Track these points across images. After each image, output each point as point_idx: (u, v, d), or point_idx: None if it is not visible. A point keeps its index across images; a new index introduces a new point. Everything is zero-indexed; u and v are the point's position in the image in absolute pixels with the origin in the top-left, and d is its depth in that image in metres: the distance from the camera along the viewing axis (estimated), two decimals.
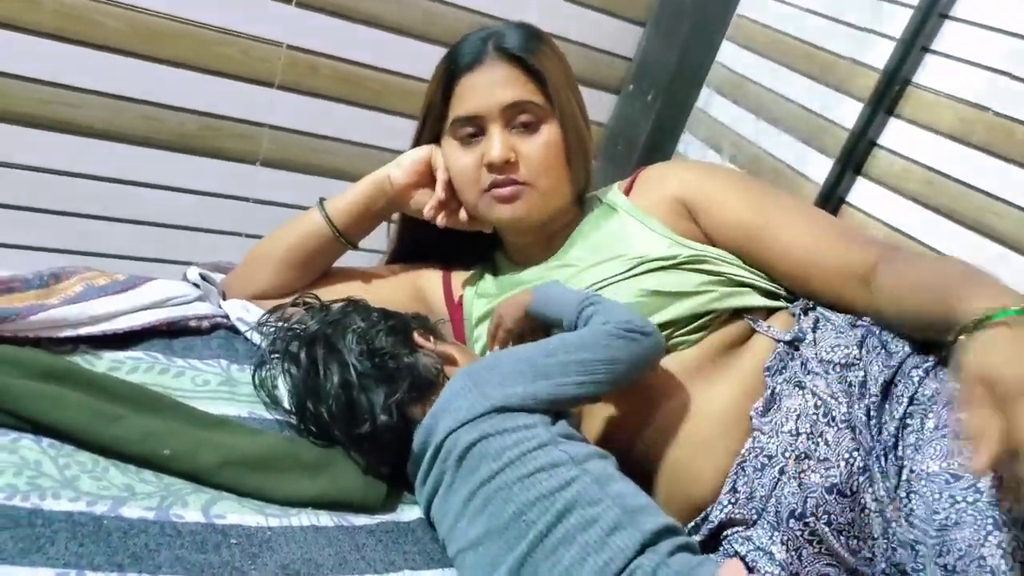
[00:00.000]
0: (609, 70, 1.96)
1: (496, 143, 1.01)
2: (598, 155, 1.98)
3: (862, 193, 1.51)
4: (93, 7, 1.47)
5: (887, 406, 0.85)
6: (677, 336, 0.98)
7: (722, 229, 1.03)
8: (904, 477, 0.80)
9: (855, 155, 1.50)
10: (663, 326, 0.97)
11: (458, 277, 1.17)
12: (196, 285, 1.12)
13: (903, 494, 0.79)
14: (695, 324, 0.98)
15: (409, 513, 0.89)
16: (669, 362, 0.96)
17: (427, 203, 1.08)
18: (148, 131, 1.60)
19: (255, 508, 0.82)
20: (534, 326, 0.97)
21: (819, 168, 1.58)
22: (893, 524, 0.82)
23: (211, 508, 0.80)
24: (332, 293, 1.03)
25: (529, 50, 1.02)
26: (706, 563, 0.73)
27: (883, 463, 0.83)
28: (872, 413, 0.85)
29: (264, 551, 0.77)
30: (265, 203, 1.77)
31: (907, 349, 0.88)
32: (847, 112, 1.53)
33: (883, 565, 0.83)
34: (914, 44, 1.42)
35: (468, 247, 1.16)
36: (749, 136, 1.76)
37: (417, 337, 0.93)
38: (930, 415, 0.82)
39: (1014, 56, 1.29)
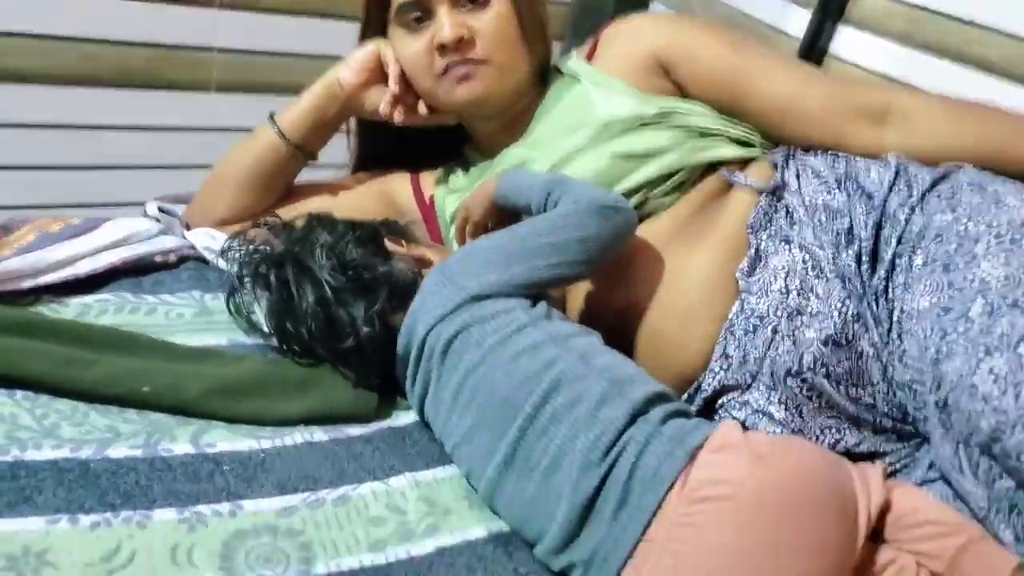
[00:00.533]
0: None
1: (446, 23, 0.95)
2: (565, 33, 1.89)
3: (845, 41, 1.44)
4: None
5: (878, 248, 0.83)
6: (652, 199, 0.95)
7: (701, 77, 0.99)
8: (896, 318, 0.78)
9: (834, 1, 1.42)
10: (636, 190, 0.94)
11: (427, 178, 1.13)
12: (157, 219, 1.08)
13: (895, 336, 0.78)
14: (668, 184, 0.95)
15: (404, 418, 0.87)
16: (645, 230, 0.93)
17: (382, 101, 1.02)
18: (89, 70, 1.52)
19: (246, 433, 0.81)
20: (502, 216, 0.93)
21: (798, 21, 1.50)
22: (889, 367, 0.81)
23: (200, 438, 0.79)
24: (297, 211, 0.99)
25: None
26: (701, 426, 0.72)
27: (875, 308, 0.81)
28: (863, 258, 0.83)
29: (259, 473, 0.76)
30: (226, 130, 1.69)
31: (885, 188, 0.85)
32: None
33: (885, 409, 0.82)
34: None
35: (434, 147, 1.11)
36: None
37: (388, 243, 0.90)
38: (918, 251, 0.80)
39: None
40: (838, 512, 0.67)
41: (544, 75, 1.06)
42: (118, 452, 0.74)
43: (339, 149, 1.22)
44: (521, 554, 0.74)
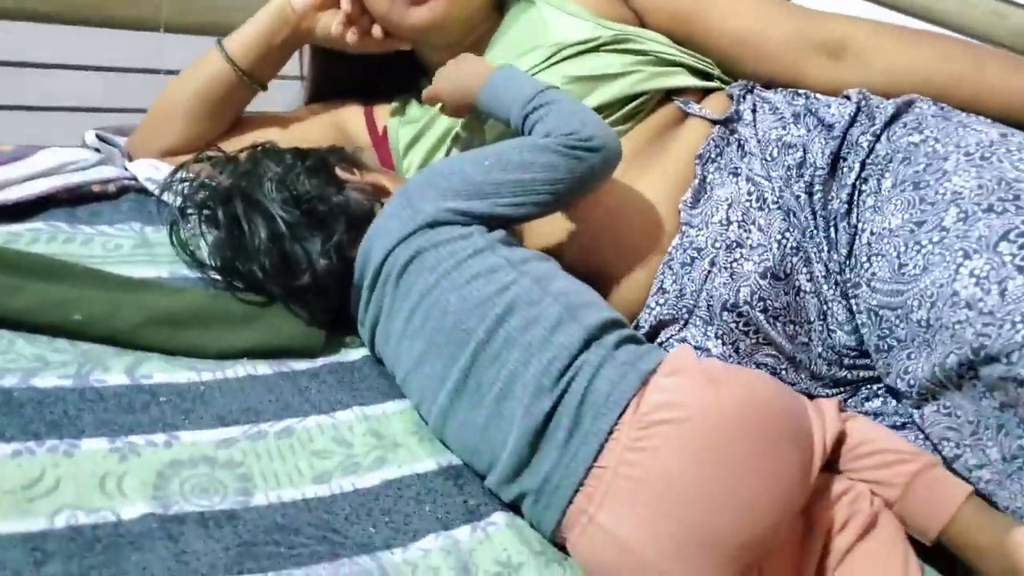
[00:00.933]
0: None
1: None
2: None
3: None
4: None
5: (836, 177, 0.81)
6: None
7: (657, 5, 0.97)
8: (864, 241, 0.76)
9: None
10: None
11: (381, 109, 1.08)
12: (97, 149, 1.02)
13: (863, 258, 0.76)
14: (624, 110, 0.92)
15: (353, 354, 0.85)
16: None
17: (334, 22, 0.98)
18: (32, 4, 1.44)
19: (186, 365, 0.77)
20: (474, 116, 0.90)
21: None
22: (837, 302, 0.79)
23: (136, 369, 0.75)
24: (245, 143, 0.94)
25: None
26: (654, 351, 0.70)
27: (833, 234, 0.80)
28: (816, 187, 0.81)
29: (198, 406, 0.73)
30: (176, 72, 1.63)
31: (846, 118, 0.84)
32: None
33: (819, 349, 0.82)
34: None
35: (390, 78, 1.07)
36: None
37: (340, 171, 0.86)
38: (887, 175, 0.78)
39: None
40: (793, 438, 0.66)
41: (501, 3, 1.03)
42: (45, 381, 0.70)
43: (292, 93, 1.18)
44: (471, 486, 0.72)
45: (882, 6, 1.32)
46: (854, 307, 0.79)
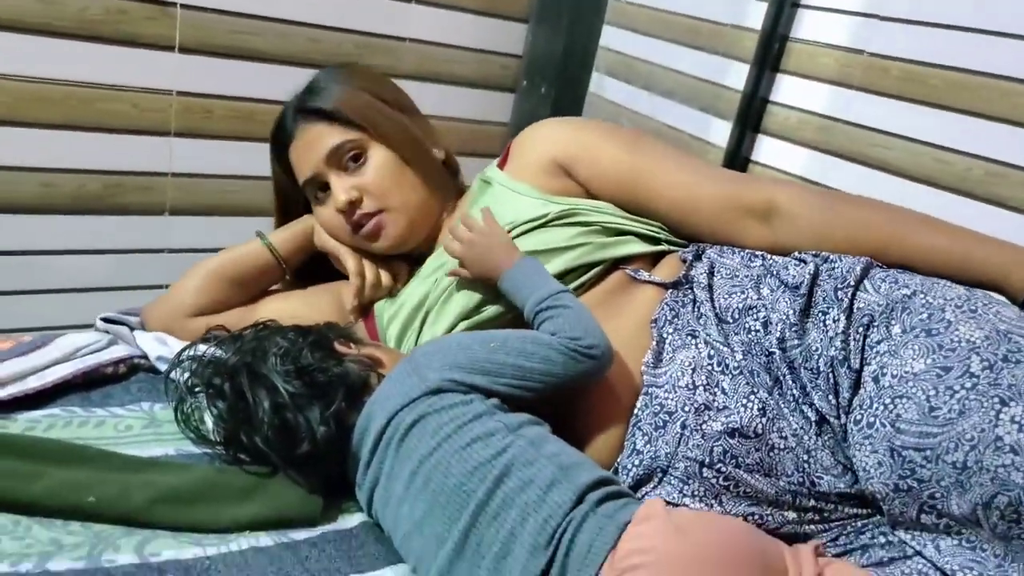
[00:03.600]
0: (503, 70, 1.98)
1: (336, 191, 1.07)
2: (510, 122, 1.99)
3: (765, 149, 1.56)
4: None
5: (814, 330, 0.86)
6: None
7: (600, 177, 1.05)
8: (885, 384, 0.78)
9: (751, 114, 1.54)
10: None
11: None
12: (106, 331, 1.10)
13: (886, 400, 0.78)
14: (575, 283, 0.99)
15: (351, 519, 0.88)
16: None
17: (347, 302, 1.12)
18: (46, 198, 1.57)
19: (192, 541, 0.81)
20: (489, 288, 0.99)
21: (720, 132, 1.62)
22: (816, 453, 0.82)
23: (145, 548, 0.79)
24: (258, 312, 1.09)
25: (323, 99, 1.10)
26: (629, 504, 0.75)
27: (830, 380, 0.82)
28: (791, 342, 0.86)
29: None
30: (180, 251, 1.74)
31: (807, 278, 0.89)
32: (736, 75, 1.57)
33: (803, 493, 0.83)
34: (785, 1, 1.48)
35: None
36: (646, 112, 1.79)
37: (339, 346, 0.93)
38: (893, 322, 0.82)
39: None
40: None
41: (455, 174, 1.17)
42: (60, 565, 0.74)
43: None
44: None
45: (836, 156, 1.44)
46: (856, 449, 0.80)
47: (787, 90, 1.51)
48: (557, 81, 1.89)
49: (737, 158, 1.57)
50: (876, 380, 0.80)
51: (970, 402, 0.73)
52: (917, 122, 1.30)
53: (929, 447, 0.74)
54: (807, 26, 1.47)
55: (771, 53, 1.50)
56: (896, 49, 1.32)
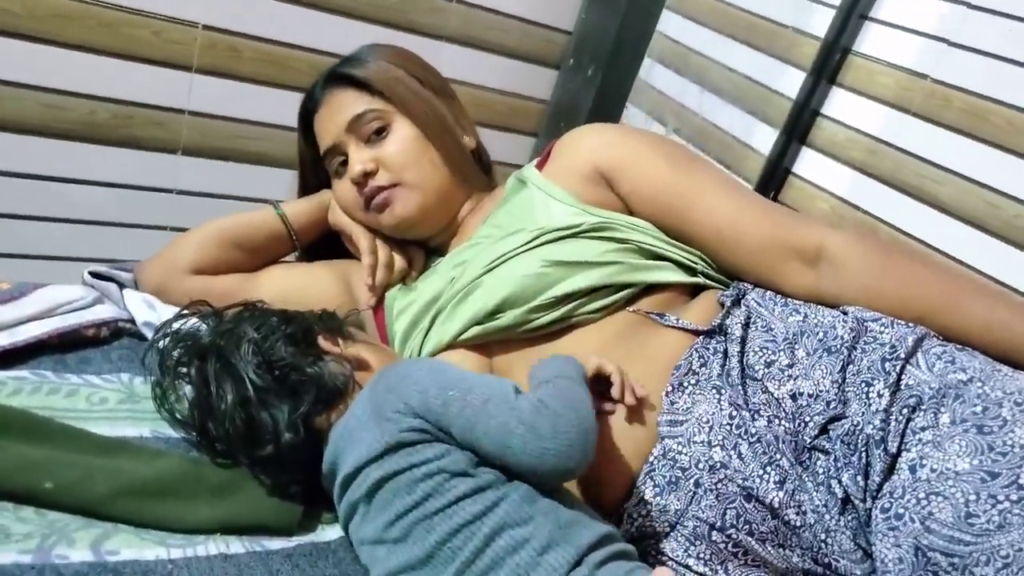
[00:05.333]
0: (549, 45, 1.88)
1: (353, 161, 1.03)
2: (541, 132, 1.92)
3: (807, 163, 1.48)
4: None
5: (856, 400, 0.78)
6: (579, 312, 0.92)
7: (640, 192, 0.98)
8: (922, 476, 0.71)
9: (799, 125, 1.47)
10: (565, 298, 0.92)
11: None
12: (93, 287, 1.03)
13: (920, 494, 0.71)
14: (602, 302, 0.92)
15: (330, 532, 0.82)
16: (573, 342, 0.90)
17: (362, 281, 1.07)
18: (50, 120, 1.49)
19: (155, 540, 0.75)
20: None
21: (764, 139, 1.55)
22: (836, 535, 0.76)
23: (103, 544, 0.72)
24: (258, 282, 1.06)
25: (356, 66, 1.06)
26: (636, 571, 0.69)
27: (863, 460, 0.75)
28: (826, 415, 0.78)
29: None
30: (189, 194, 1.67)
31: (851, 339, 0.81)
32: (790, 82, 1.49)
33: (819, 572, 0.78)
34: (853, 11, 1.39)
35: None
36: (693, 107, 1.70)
37: (322, 341, 0.85)
38: (943, 410, 0.74)
39: (950, 22, 1.26)
40: None
41: (487, 170, 1.11)
42: (4, 558, 0.67)
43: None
44: None
45: (881, 182, 1.35)
46: (878, 538, 0.73)
47: (840, 105, 1.43)
48: (606, 63, 1.78)
49: (777, 169, 1.50)
50: (913, 470, 0.72)
51: (1012, 516, 0.66)
52: (973, 159, 1.22)
53: (959, 555, 0.68)
54: (871, 41, 1.39)
55: (830, 64, 1.43)
56: (962, 79, 1.24)
